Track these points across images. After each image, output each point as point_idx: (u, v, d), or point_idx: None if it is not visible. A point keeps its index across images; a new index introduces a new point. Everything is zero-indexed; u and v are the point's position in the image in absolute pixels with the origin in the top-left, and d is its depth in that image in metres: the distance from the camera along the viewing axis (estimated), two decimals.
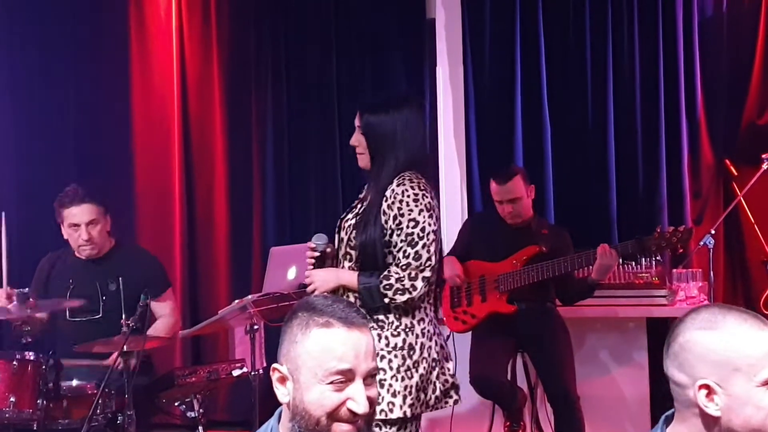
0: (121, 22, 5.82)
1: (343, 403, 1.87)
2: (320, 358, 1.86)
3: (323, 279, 3.24)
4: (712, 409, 1.84)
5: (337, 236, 3.32)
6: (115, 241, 4.47)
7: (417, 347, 3.16)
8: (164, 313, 4.46)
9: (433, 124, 5.70)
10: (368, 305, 3.14)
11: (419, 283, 3.13)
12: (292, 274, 4.02)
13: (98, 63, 5.80)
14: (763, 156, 4.92)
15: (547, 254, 4.49)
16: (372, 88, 5.78)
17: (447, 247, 5.33)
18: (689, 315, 1.92)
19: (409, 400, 3.11)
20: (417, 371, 3.14)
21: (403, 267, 3.13)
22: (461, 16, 5.65)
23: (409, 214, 3.14)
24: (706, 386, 1.84)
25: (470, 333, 4.66)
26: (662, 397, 5.32)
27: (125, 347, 3.69)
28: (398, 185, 3.17)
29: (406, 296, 3.13)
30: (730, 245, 5.53)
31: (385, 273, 3.14)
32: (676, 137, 5.47)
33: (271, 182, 5.87)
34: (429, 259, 3.15)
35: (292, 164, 5.86)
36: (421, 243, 3.13)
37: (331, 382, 1.86)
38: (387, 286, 3.12)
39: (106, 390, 3.73)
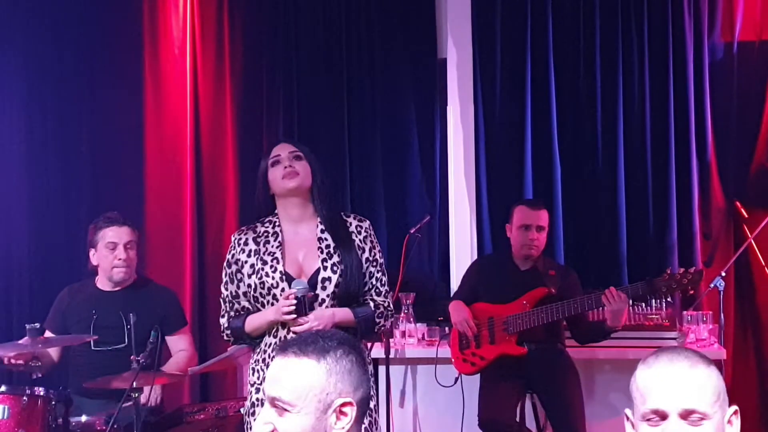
0: (135, 59, 5.84)
1: None
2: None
3: (327, 318, 3.31)
4: None
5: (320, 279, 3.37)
6: (138, 276, 4.50)
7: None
8: (181, 347, 4.49)
9: (443, 164, 5.72)
10: (364, 336, 3.39)
11: (392, 307, 3.47)
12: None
13: (112, 98, 5.79)
14: None
15: (555, 295, 4.49)
16: (382, 126, 5.80)
17: (455, 287, 5.33)
18: None
19: None
20: None
21: (385, 294, 3.44)
22: (472, 56, 5.67)
23: (377, 246, 3.47)
24: None
25: (479, 375, 4.65)
26: None
27: (135, 383, 3.69)
28: (359, 221, 3.47)
29: (390, 320, 3.52)
30: (741, 288, 5.50)
31: (371, 303, 3.40)
32: (687, 178, 5.48)
33: None
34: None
35: None
36: (384, 270, 3.48)
37: None
38: (379, 314, 3.40)
39: (115, 426, 3.72)
